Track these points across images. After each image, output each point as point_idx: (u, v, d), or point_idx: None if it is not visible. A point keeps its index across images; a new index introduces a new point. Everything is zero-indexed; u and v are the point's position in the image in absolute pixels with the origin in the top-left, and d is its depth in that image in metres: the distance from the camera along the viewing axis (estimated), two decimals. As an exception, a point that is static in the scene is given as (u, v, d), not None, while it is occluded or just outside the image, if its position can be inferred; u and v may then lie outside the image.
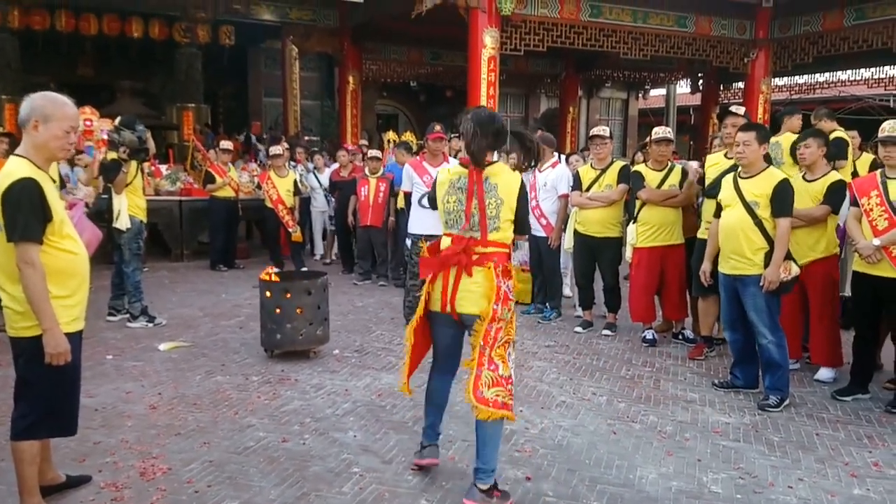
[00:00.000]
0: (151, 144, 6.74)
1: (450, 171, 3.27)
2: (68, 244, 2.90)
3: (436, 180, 3.32)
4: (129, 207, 6.13)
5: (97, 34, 12.36)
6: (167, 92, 14.56)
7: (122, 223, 6.07)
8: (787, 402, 4.51)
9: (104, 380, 4.80)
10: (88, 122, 10.40)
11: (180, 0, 12.17)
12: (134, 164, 6.22)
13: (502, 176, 3.16)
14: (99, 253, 6.32)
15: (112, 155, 6.20)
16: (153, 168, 9.68)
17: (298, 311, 5.22)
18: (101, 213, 6.16)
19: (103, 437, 3.84)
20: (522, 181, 3.22)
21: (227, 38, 13.34)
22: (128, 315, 6.30)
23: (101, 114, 10.77)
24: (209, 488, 3.29)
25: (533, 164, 3.38)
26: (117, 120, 6.54)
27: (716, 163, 5.49)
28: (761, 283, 4.41)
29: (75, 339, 2.95)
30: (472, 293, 3.11)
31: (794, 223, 4.87)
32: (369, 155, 8.78)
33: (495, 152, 3.32)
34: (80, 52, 14.20)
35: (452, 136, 8.79)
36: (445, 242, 3.22)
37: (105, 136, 9.37)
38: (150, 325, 6.23)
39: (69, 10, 11.91)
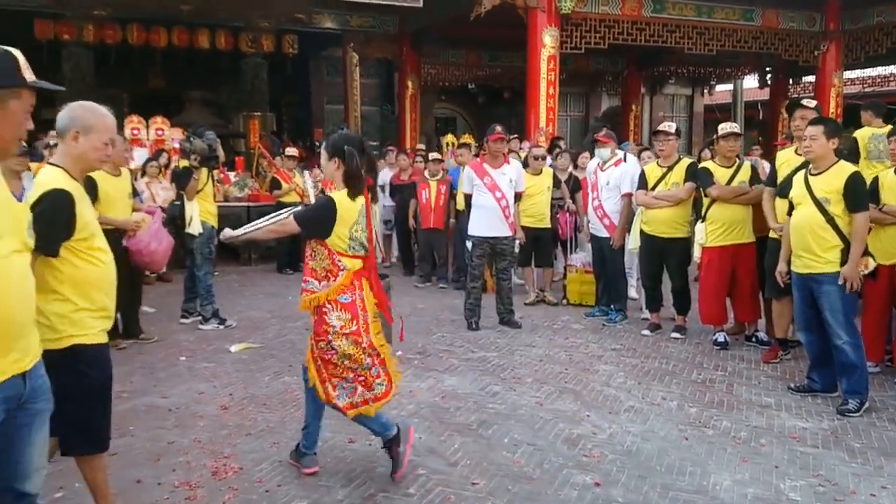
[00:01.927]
0: (221, 152, 6.93)
1: (348, 199, 3.30)
2: (98, 255, 2.76)
3: (335, 207, 3.26)
4: (200, 213, 6.32)
5: (167, 46, 12.81)
6: (234, 101, 14.97)
7: (194, 228, 6.26)
8: (867, 406, 4.31)
9: (178, 381, 4.95)
10: (160, 132, 10.80)
11: (245, 11, 12.49)
12: (205, 171, 6.41)
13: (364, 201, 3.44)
14: (172, 258, 6.57)
15: (184, 163, 6.40)
16: (222, 175, 9.96)
17: (363, 313, 5.27)
18: (173, 219, 6.35)
19: (177, 436, 3.95)
20: None
21: (291, 47, 13.62)
22: (200, 318, 6.49)
23: (171, 123, 11.16)
24: (279, 488, 3.34)
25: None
26: (192, 129, 6.76)
27: (786, 160, 5.29)
28: (840, 282, 4.23)
29: (104, 350, 2.82)
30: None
31: (884, 220, 4.67)
32: (430, 157, 8.82)
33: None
34: (150, 65, 14.74)
35: (512, 137, 8.75)
36: (354, 263, 3.31)
37: (177, 145, 9.73)
38: (221, 327, 6.39)
39: (140, 24, 12.38)
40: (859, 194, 4.28)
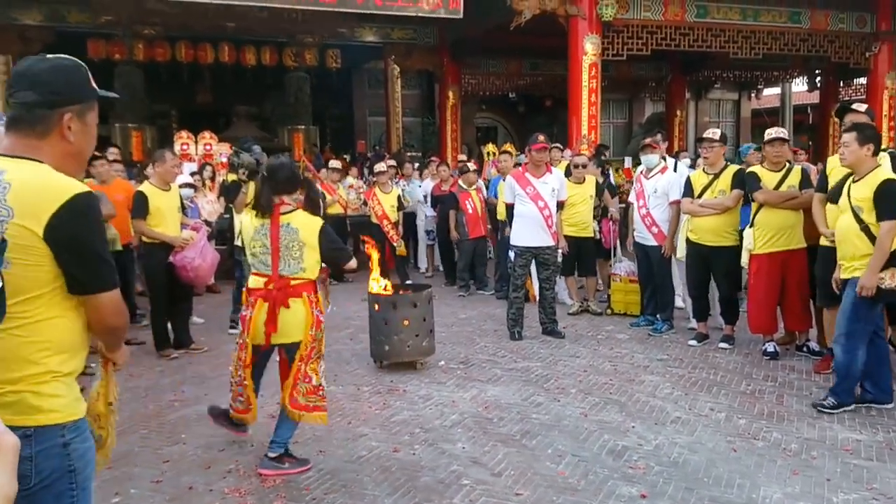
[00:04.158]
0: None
1: (252, 217, 3.67)
2: None
3: (240, 225, 3.75)
4: (247, 226, 6.46)
5: (214, 63, 13.15)
6: (278, 115, 15.28)
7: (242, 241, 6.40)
8: (848, 408, 4.38)
9: (227, 390, 5.04)
10: (208, 147, 11.07)
11: (289, 26, 12.76)
12: (252, 184, 6.54)
13: (301, 220, 3.61)
14: (220, 270, 6.73)
15: (232, 177, 6.56)
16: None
17: (405, 323, 5.32)
18: (223, 232, 6.51)
19: (227, 444, 4.04)
20: (324, 224, 3.64)
21: (334, 62, 13.86)
22: (246, 328, 6.60)
23: (219, 138, 11.44)
24: (326, 496, 3.39)
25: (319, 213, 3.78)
26: (239, 143, 6.93)
27: (838, 164, 5.15)
28: (857, 288, 4.23)
29: None
30: (290, 324, 3.57)
31: None
32: (463, 168, 9.00)
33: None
34: (198, 81, 15.15)
35: (554, 146, 8.73)
36: (255, 281, 3.66)
37: (224, 160, 9.96)
38: (267, 337, 6.49)
39: (188, 42, 12.74)
40: (888, 202, 4.19)
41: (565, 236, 6.82)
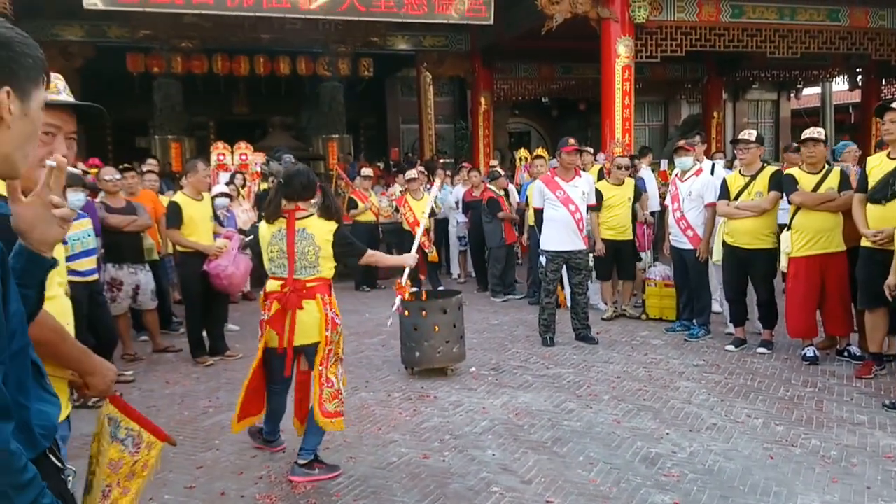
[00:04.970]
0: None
1: (268, 223, 3.76)
2: None
3: (258, 231, 3.81)
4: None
5: (249, 74, 13.36)
6: (313, 124, 15.44)
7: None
8: None
9: (260, 396, 5.10)
10: (244, 157, 11.24)
11: (322, 37, 12.91)
12: (281, 192, 6.63)
13: (316, 225, 3.67)
14: (254, 277, 6.82)
15: (264, 185, 6.64)
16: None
17: (435, 329, 5.32)
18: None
19: (259, 451, 4.08)
20: (338, 227, 3.71)
21: (367, 70, 13.97)
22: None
23: (255, 148, 11.61)
24: (355, 502, 3.40)
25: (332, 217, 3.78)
26: (271, 153, 7.01)
27: (877, 164, 5.03)
28: None
29: None
30: (307, 325, 3.61)
31: None
32: (494, 174, 9.05)
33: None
34: (235, 92, 15.40)
35: (583, 148, 8.66)
36: (272, 285, 3.73)
37: (258, 169, 10.09)
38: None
39: (224, 54, 12.98)
40: None
41: (603, 239, 6.77)
